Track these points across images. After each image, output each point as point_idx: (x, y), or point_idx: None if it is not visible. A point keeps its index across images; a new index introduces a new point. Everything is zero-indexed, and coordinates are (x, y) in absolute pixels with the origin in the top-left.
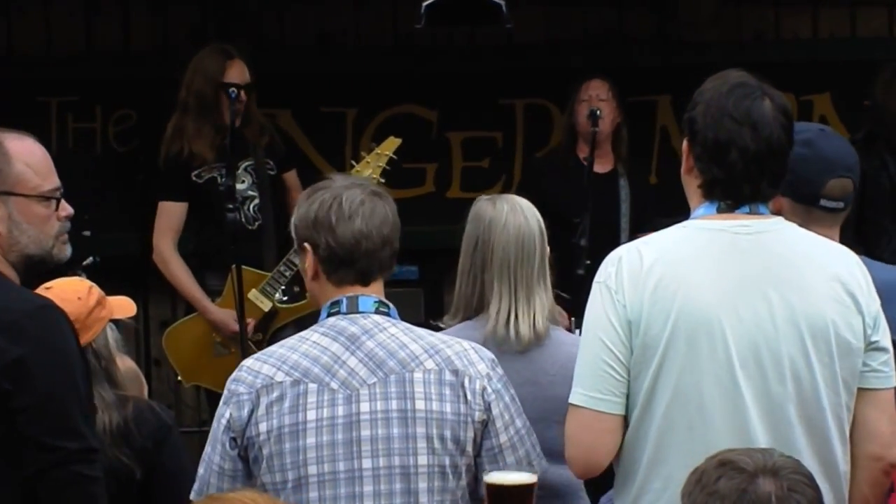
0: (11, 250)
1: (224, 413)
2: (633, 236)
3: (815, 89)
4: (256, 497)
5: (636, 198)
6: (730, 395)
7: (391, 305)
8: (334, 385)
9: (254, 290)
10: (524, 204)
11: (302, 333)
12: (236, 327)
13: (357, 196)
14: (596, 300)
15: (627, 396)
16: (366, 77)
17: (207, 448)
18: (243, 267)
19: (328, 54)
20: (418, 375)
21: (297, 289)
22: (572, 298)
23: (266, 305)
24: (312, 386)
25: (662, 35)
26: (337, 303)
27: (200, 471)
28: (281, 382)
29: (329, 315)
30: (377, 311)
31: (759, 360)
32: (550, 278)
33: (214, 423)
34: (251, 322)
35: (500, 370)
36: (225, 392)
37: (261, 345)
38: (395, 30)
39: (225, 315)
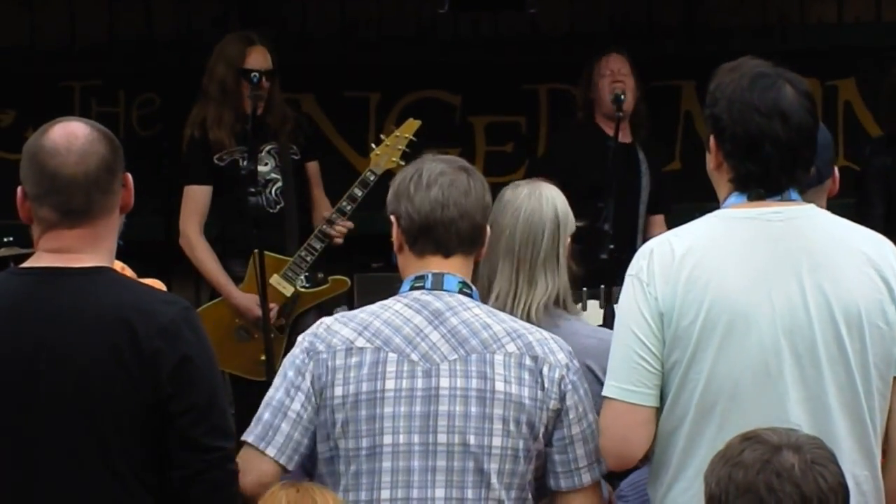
0: None
1: (308, 366)
2: (648, 216)
3: (840, 74)
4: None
5: (653, 173)
6: (764, 382)
7: (474, 288)
8: (415, 357)
9: (276, 275)
10: (546, 190)
11: (384, 302)
12: (259, 312)
13: (438, 167)
14: (628, 293)
15: (661, 388)
16: (389, 63)
17: (278, 393)
18: (265, 252)
19: (351, 44)
20: (499, 357)
21: (320, 275)
22: (596, 283)
23: (288, 290)
24: (392, 355)
25: (687, 21)
26: (421, 277)
27: (266, 415)
28: (362, 348)
29: (412, 289)
30: (461, 292)
31: (794, 347)
32: (569, 269)
33: (291, 373)
34: (274, 307)
35: (576, 362)
36: (304, 344)
37: (283, 330)
38: (419, 19)
39: (248, 300)
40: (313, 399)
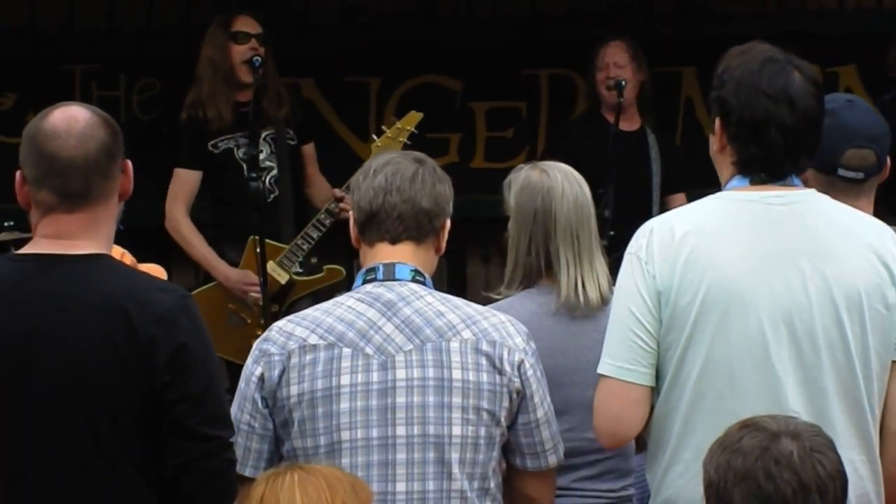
0: None
1: (255, 371)
2: (664, 198)
3: (840, 61)
4: (336, 471)
5: (665, 155)
6: (762, 366)
7: (427, 275)
8: (369, 350)
9: (271, 261)
10: (571, 171)
11: (336, 298)
12: (249, 281)
13: (386, 158)
14: (626, 271)
15: (657, 368)
16: (389, 46)
17: (233, 409)
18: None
19: (352, 29)
20: (455, 345)
21: (314, 260)
22: None
23: (283, 278)
24: (347, 350)
25: (687, 6)
26: (373, 269)
27: None
28: (315, 345)
29: (365, 282)
30: (413, 280)
31: (793, 331)
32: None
33: (242, 384)
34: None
35: (533, 344)
36: (254, 351)
37: (277, 316)
38: (417, 3)
39: (237, 273)
40: (260, 404)
